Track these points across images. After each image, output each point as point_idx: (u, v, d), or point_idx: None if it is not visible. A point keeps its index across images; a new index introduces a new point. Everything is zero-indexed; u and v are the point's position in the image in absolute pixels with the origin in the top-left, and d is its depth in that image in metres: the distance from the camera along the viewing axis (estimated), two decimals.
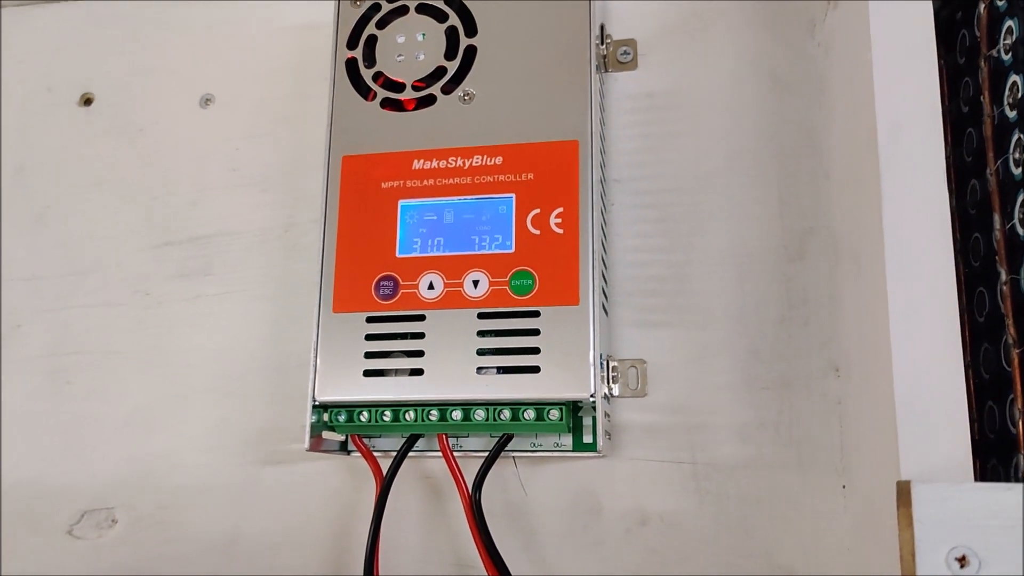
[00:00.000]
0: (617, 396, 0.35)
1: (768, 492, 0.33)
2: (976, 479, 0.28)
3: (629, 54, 0.39)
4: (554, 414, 0.32)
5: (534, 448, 0.34)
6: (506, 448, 0.33)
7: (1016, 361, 0.26)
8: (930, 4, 0.27)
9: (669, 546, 0.34)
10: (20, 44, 0.47)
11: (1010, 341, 0.27)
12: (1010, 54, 0.28)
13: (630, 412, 0.35)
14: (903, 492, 0.23)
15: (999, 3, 0.29)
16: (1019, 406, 0.26)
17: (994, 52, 0.29)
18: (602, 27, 0.38)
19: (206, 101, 0.43)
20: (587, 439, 0.33)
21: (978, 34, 0.30)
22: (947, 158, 0.31)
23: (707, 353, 0.35)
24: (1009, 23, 0.28)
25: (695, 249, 0.36)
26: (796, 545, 0.33)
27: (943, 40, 0.33)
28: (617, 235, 0.37)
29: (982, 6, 0.30)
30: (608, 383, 0.34)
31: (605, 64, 0.38)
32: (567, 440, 0.34)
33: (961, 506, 0.22)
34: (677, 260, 0.36)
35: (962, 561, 0.22)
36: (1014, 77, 0.27)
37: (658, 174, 0.37)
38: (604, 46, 0.38)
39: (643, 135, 0.38)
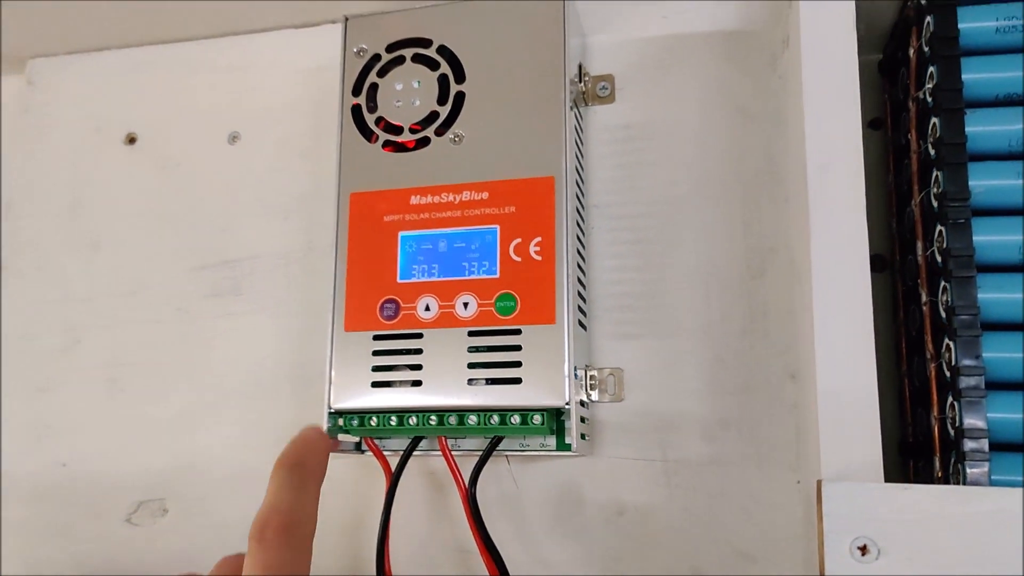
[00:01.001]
0: (596, 401, 0.39)
1: (731, 486, 0.37)
2: (910, 479, 0.31)
3: (607, 89, 0.42)
4: (537, 419, 0.35)
5: (523, 448, 0.38)
6: (498, 448, 0.37)
7: (933, 373, 0.29)
8: (855, 58, 0.30)
9: (643, 534, 0.37)
10: (71, 89, 0.52)
11: (928, 356, 0.30)
12: (931, 97, 0.30)
13: (608, 415, 0.39)
14: (818, 490, 0.27)
15: (926, 49, 0.31)
16: (935, 413, 0.29)
17: (920, 94, 0.31)
18: (580, 66, 0.41)
19: (233, 138, 0.48)
20: (568, 440, 0.37)
21: (908, 76, 0.32)
22: (889, 184, 0.34)
23: (677, 361, 0.39)
24: (931, 69, 0.30)
25: (666, 267, 0.40)
26: (756, 533, 0.36)
27: (889, 75, 0.36)
28: (596, 255, 0.41)
29: (912, 50, 0.32)
30: (586, 389, 0.38)
31: (584, 99, 0.42)
32: (551, 441, 0.38)
33: (864, 503, 0.26)
34: (650, 278, 0.40)
35: (863, 550, 0.25)
36: (934, 119, 0.30)
37: (633, 199, 0.41)
38: (583, 83, 0.41)
39: (620, 164, 0.41)
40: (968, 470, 0.27)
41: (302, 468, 0.25)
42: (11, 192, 0.51)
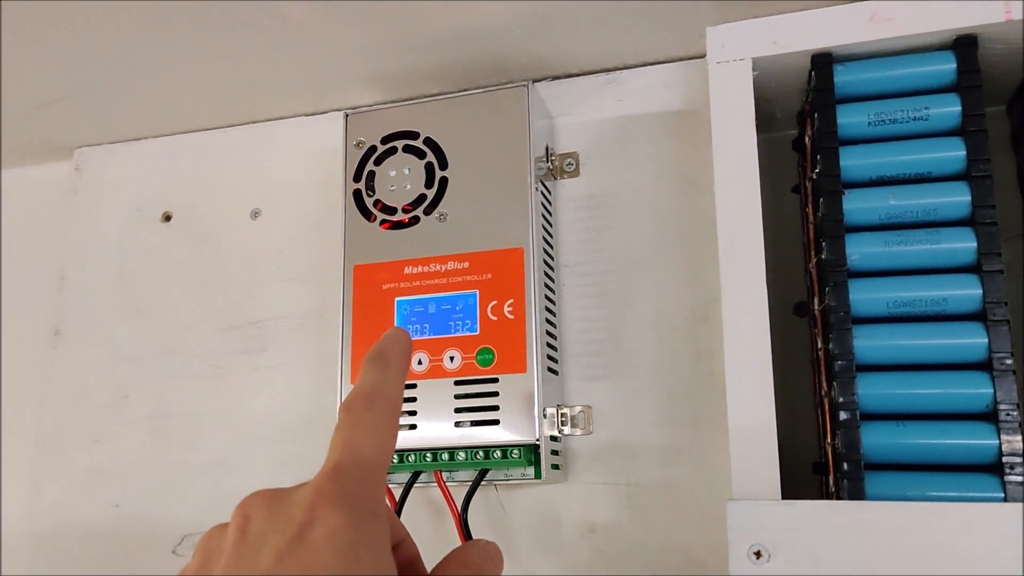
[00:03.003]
0: (569, 434, 0.47)
1: (684, 504, 0.45)
2: (822, 494, 0.39)
3: (572, 164, 0.51)
4: (515, 453, 0.44)
5: (507, 478, 0.46)
6: (486, 479, 0.46)
7: (827, 406, 0.37)
8: (755, 150, 0.38)
9: (611, 548, 0.45)
10: (115, 174, 0.62)
11: (822, 392, 0.38)
12: (818, 179, 0.39)
13: (580, 446, 0.47)
14: (727, 507, 0.35)
15: (817, 138, 0.39)
16: (828, 440, 0.37)
17: (813, 175, 0.40)
18: (547, 148, 0.50)
19: (255, 214, 0.58)
20: (544, 475, 0.45)
21: (804, 159, 0.41)
22: (805, 242, 0.43)
23: (637, 398, 0.47)
24: (818, 156, 0.39)
25: (625, 317, 0.48)
26: (706, 544, 0.44)
27: (800, 152, 0.44)
28: (567, 308, 0.49)
29: (807, 138, 0.41)
30: (558, 426, 0.46)
31: (553, 174, 0.50)
32: (530, 471, 0.46)
33: (758, 517, 0.34)
34: (612, 326, 0.48)
35: (758, 554, 0.33)
36: (820, 198, 0.38)
37: (597, 259, 0.49)
38: (550, 161, 0.50)
39: (585, 229, 0.50)
40: (847, 488, 0.35)
41: (383, 356, 0.27)
42: (64, 266, 0.61)
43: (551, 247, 0.49)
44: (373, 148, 0.50)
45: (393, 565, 0.23)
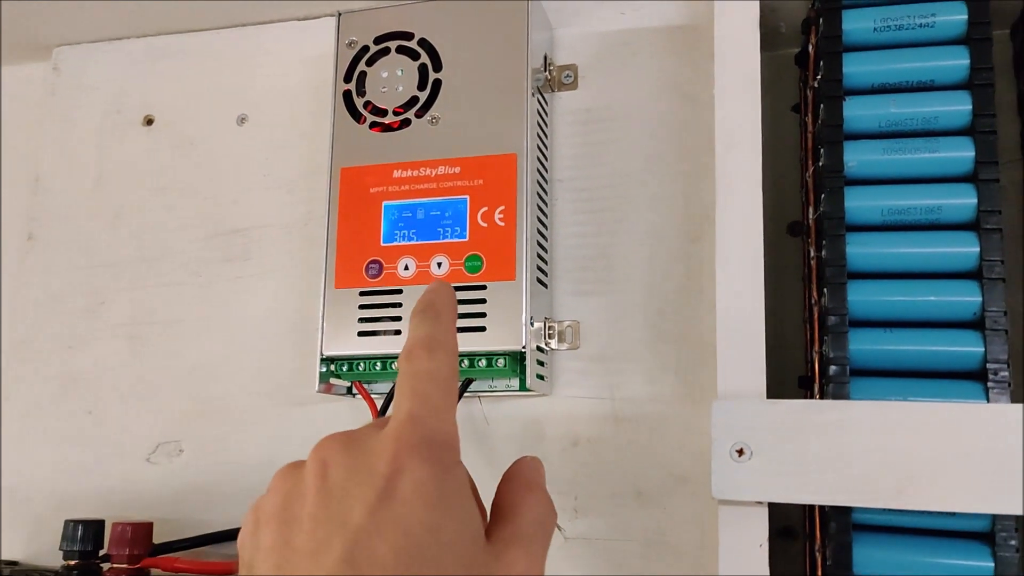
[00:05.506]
0: (555, 348, 0.48)
1: (668, 420, 0.46)
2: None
3: (571, 77, 0.51)
4: (500, 362, 0.45)
5: (491, 390, 0.47)
6: (470, 390, 0.47)
7: (816, 316, 0.38)
8: (758, 56, 0.39)
9: (594, 462, 0.47)
10: (94, 75, 0.61)
11: (812, 301, 0.39)
12: (819, 86, 0.39)
13: (566, 360, 0.48)
14: (712, 405, 0.36)
15: (821, 44, 0.40)
16: (815, 348, 0.38)
17: (815, 83, 0.40)
18: (546, 57, 0.50)
19: (242, 120, 0.57)
20: (529, 382, 0.46)
21: (808, 68, 0.41)
22: (802, 160, 0.43)
23: (625, 314, 0.48)
24: (821, 62, 0.39)
25: (618, 233, 0.49)
26: (689, 458, 0.45)
27: (803, 66, 0.45)
28: (560, 223, 0.50)
29: (811, 46, 0.41)
30: (545, 338, 0.47)
31: (551, 86, 0.51)
32: (515, 382, 0.47)
33: (742, 415, 0.35)
34: (604, 242, 0.49)
35: (740, 452, 0.34)
36: (821, 104, 0.39)
37: (592, 174, 0.50)
38: (548, 72, 0.50)
39: (582, 143, 0.50)
40: (832, 391, 0.36)
41: (433, 306, 0.28)
42: (40, 169, 0.61)
43: (545, 158, 0.49)
44: (365, 48, 0.49)
45: (479, 510, 0.24)
